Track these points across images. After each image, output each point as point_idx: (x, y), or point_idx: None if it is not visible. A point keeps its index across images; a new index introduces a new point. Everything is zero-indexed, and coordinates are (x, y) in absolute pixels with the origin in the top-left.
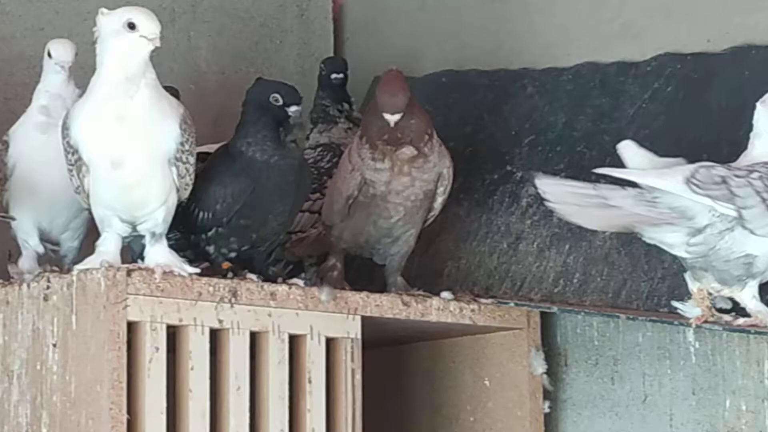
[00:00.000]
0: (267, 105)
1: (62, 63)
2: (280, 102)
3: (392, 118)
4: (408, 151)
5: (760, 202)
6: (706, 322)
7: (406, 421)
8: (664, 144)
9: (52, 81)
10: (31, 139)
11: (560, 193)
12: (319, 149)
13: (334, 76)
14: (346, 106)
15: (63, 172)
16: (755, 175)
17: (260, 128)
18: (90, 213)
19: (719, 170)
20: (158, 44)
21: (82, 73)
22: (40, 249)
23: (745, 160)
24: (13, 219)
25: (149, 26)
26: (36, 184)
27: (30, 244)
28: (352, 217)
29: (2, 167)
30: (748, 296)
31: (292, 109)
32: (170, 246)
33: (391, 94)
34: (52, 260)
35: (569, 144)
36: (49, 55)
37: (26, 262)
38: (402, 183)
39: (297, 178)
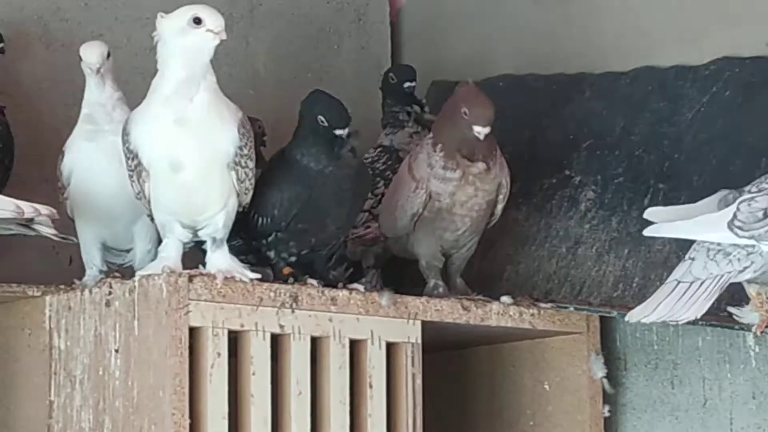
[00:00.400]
0: (315, 123)
1: (90, 65)
2: (326, 124)
3: (483, 131)
4: (481, 166)
5: None
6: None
7: (465, 425)
8: (722, 148)
9: (89, 87)
10: (81, 149)
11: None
12: (378, 150)
13: (407, 85)
14: (416, 108)
15: (115, 178)
16: None
17: (312, 143)
18: (151, 219)
19: (760, 202)
20: (224, 37)
21: (141, 78)
22: (104, 268)
23: None
24: (72, 241)
25: (215, 20)
26: (89, 193)
27: (94, 263)
28: (416, 232)
29: (60, 177)
30: None
31: (338, 132)
32: (233, 252)
33: (485, 107)
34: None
35: (627, 148)
36: (81, 59)
37: (89, 281)
38: (466, 194)
39: (354, 184)
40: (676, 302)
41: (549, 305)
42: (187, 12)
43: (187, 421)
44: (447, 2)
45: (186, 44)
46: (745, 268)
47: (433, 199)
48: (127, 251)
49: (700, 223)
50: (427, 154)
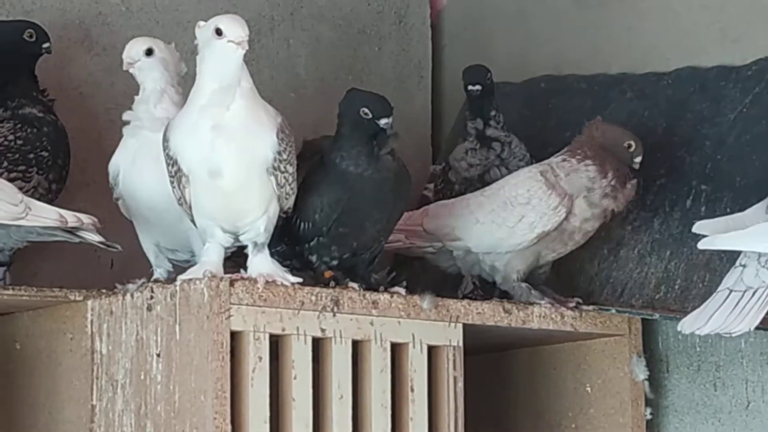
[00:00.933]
0: (358, 118)
1: (128, 60)
2: (370, 115)
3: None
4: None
5: None
6: None
7: (507, 427)
8: (764, 149)
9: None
10: (126, 146)
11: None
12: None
13: (470, 87)
14: (479, 122)
15: (156, 176)
16: None
17: (353, 143)
18: (194, 223)
19: None
20: (246, 47)
21: (183, 81)
22: (170, 267)
23: None
24: (116, 248)
25: (235, 30)
26: (135, 191)
27: (159, 263)
28: (523, 249)
29: (109, 177)
30: None
31: (383, 121)
32: (277, 257)
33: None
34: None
35: (669, 149)
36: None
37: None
38: (594, 215)
39: (394, 187)
40: (729, 313)
41: (591, 307)
42: (211, 23)
43: (229, 426)
44: (488, 3)
45: (213, 55)
46: None
47: (566, 219)
48: (186, 252)
49: (754, 233)
50: (589, 179)
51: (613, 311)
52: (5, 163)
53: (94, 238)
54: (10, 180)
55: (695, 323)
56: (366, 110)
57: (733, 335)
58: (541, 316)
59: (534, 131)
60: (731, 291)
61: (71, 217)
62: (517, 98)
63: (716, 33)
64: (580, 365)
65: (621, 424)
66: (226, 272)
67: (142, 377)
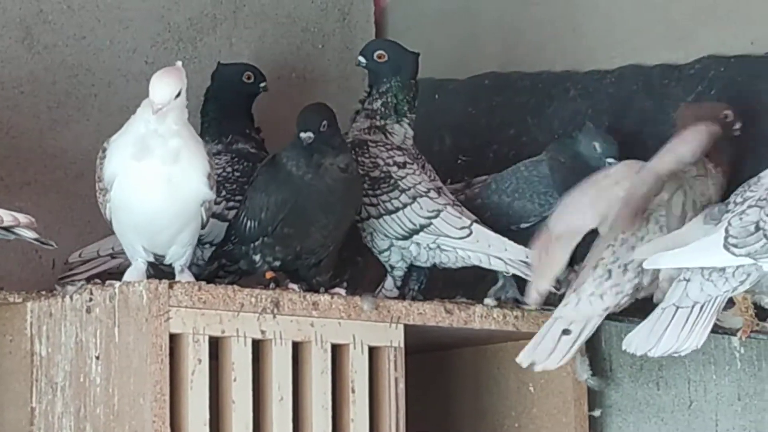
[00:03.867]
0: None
1: (152, 104)
2: (297, 129)
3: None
4: None
5: None
6: (752, 332)
7: (450, 427)
8: None
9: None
10: (128, 166)
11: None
12: None
13: (302, 135)
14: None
15: (159, 203)
16: None
17: (295, 149)
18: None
19: (750, 215)
20: (160, 116)
21: (124, 80)
22: (151, 258)
23: None
24: (52, 246)
25: (156, 95)
26: (132, 211)
27: (139, 256)
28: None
29: (102, 178)
30: None
31: (302, 135)
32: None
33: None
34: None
35: None
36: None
37: (135, 272)
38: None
39: (342, 196)
40: (680, 331)
41: (533, 307)
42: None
43: (168, 429)
44: (431, 1)
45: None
46: (741, 282)
47: None
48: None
49: (697, 249)
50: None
51: (555, 311)
52: None
53: (30, 235)
54: None
55: (646, 344)
56: (297, 123)
57: (683, 354)
58: (482, 316)
59: (478, 128)
60: (678, 308)
61: (7, 216)
62: (462, 95)
63: (660, 31)
64: None
65: (564, 423)
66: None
67: (82, 380)
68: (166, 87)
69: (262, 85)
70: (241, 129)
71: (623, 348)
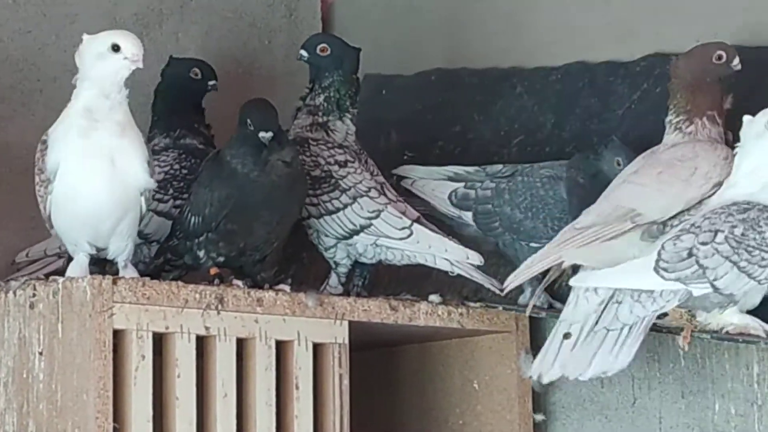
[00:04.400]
0: (245, 128)
1: (134, 56)
2: (252, 127)
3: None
4: None
5: (731, 267)
6: (693, 331)
7: (394, 423)
8: (652, 145)
9: (107, 78)
10: (71, 144)
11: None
12: None
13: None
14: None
15: (105, 179)
16: (720, 238)
17: (241, 145)
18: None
19: (685, 241)
20: (140, 65)
21: (70, 75)
22: (93, 251)
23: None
24: None
25: (133, 48)
26: (77, 191)
27: (80, 249)
28: None
29: (44, 169)
30: (728, 317)
31: (262, 134)
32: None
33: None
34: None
35: (558, 144)
36: (114, 48)
37: (77, 268)
38: None
39: (286, 191)
40: (609, 353)
41: (478, 304)
42: (107, 38)
43: (111, 425)
44: None
45: (103, 69)
46: (668, 302)
47: None
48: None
49: (627, 271)
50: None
51: (500, 308)
52: None
53: None
54: None
55: (577, 369)
56: (250, 122)
57: (609, 374)
58: (427, 313)
59: (424, 124)
60: (608, 330)
61: None
62: (408, 91)
63: (606, 28)
64: (468, 362)
65: (508, 420)
66: None
67: (25, 376)
68: (137, 41)
69: (211, 83)
70: (189, 124)
71: (542, 379)
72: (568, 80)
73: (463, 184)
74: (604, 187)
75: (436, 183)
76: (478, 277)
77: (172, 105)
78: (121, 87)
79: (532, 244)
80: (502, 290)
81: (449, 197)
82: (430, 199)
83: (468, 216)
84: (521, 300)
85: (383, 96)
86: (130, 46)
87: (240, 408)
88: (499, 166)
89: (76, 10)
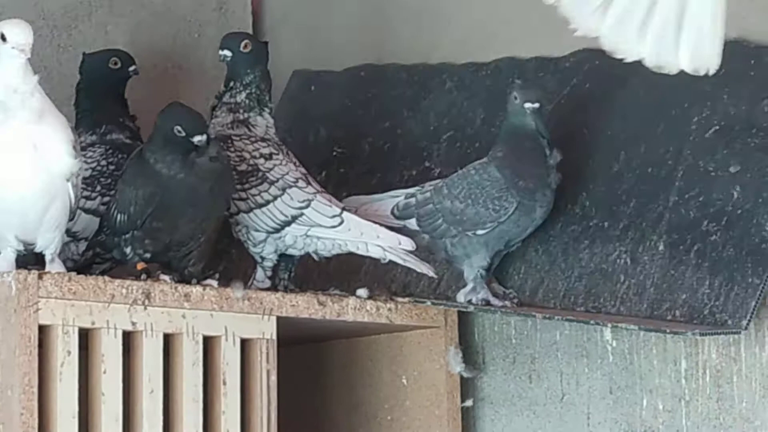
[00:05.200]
0: (171, 134)
1: (22, 46)
2: (183, 133)
3: None
4: None
5: None
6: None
7: (323, 419)
8: (582, 141)
9: (7, 70)
10: None
11: None
12: None
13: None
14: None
15: (27, 168)
16: None
17: (167, 152)
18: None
19: None
20: (28, 55)
21: None
22: (21, 247)
23: None
24: None
25: (18, 36)
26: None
27: (7, 244)
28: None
29: None
30: None
31: (196, 138)
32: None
33: None
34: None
35: (488, 140)
36: (3, 38)
37: (3, 263)
38: None
39: (212, 189)
40: None
41: (407, 299)
42: None
43: (36, 421)
44: None
45: (1, 61)
46: None
47: None
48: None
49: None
50: None
51: (429, 303)
52: None
53: None
54: None
55: None
56: (179, 128)
57: None
58: (356, 308)
59: (353, 120)
60: None
61: None
62: (337, 87)
63: (535, 24)
64: (396, 357)
65: (437, 416)
66: None
67: None
68: (26, 28)
69: (131, 68)
70: (114, 118)
71: None
72: (497, 75)
73: (403, 196)
74: (524, 140)
75: (378, 204)
76: (412, 262)
77: (95, 100)
78: (24, 77)
79: (479, 232)
80: (437, 273)
81: (392, 212)
82: (374, 220)
83: (412, 222)
84: (460, 295)
85: (312, 92)
86: (14, 36)
87: (167, 404)
88: (438, 181)
89: (2, 2)
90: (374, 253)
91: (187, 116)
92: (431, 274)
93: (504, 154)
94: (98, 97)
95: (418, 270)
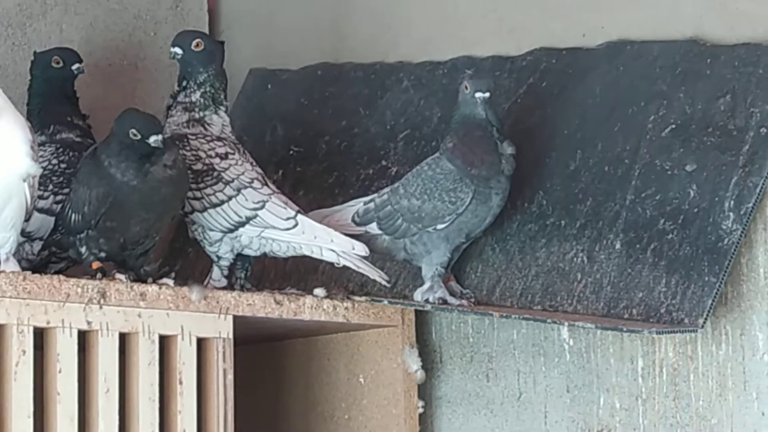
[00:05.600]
0: (127, 139)
1: None
2: (139, 136)
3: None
4: None
5: None
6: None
7: (280, 418)
8: (538, 139)
9: None
10: None
11: None
12: None
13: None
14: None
15: None
16: None
17: (122, 158)
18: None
19: None
20: None
21: None
22: None
23: None
24: None
25: None
26: None
27: None
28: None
29: None
30: None
31: (152, 139)
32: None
33: None
34: None
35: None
36: None
37: None
38: None
39: (165, 193)
40: None
41: (363, 298)
42: None
43: None
44: None
45: None
46: None
47: None
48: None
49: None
50: None
51: (386, 302)
52: None
53: None
54: None
55: None
56: (134, 131)
57: None
58: (312, 307)
59: (310, 119)
60: None
61: None
62: (294, 85)
63: (492, 23)
64: (353, 356)
65: (394, 415)
66: None
67: None
68: None
69: (74, 67)
70: (62, 118)
71: None
72: (454, 74)
73: (362, 202)
74: (476, 129)
75: (339, 214)
76: (365, 269)
77: (43, 100)
78: None
79: (439, 227)
80: (388, 281)
81: (353, 219)
82: (337, 230)
83: (373, 227)
84: (417, 294)
85: (269, 90)
86: None
87: (123, 403)
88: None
89: None
90: (328, 257)
91: (142, 119)
92: (383, 281)
93: (454, 145)
94: (46, 96)
95: (371, 276)
